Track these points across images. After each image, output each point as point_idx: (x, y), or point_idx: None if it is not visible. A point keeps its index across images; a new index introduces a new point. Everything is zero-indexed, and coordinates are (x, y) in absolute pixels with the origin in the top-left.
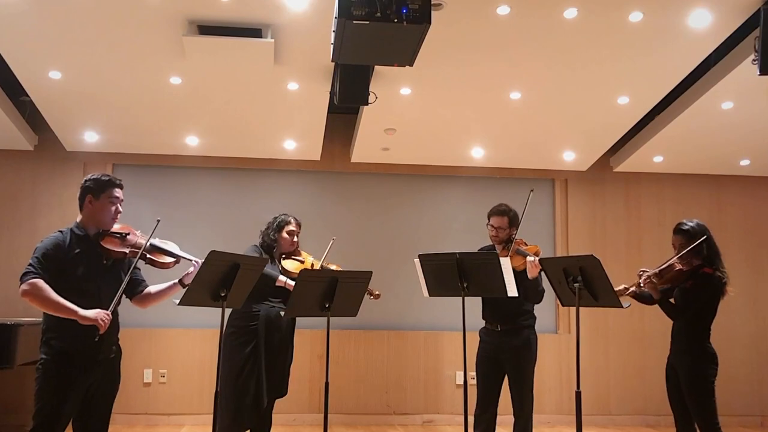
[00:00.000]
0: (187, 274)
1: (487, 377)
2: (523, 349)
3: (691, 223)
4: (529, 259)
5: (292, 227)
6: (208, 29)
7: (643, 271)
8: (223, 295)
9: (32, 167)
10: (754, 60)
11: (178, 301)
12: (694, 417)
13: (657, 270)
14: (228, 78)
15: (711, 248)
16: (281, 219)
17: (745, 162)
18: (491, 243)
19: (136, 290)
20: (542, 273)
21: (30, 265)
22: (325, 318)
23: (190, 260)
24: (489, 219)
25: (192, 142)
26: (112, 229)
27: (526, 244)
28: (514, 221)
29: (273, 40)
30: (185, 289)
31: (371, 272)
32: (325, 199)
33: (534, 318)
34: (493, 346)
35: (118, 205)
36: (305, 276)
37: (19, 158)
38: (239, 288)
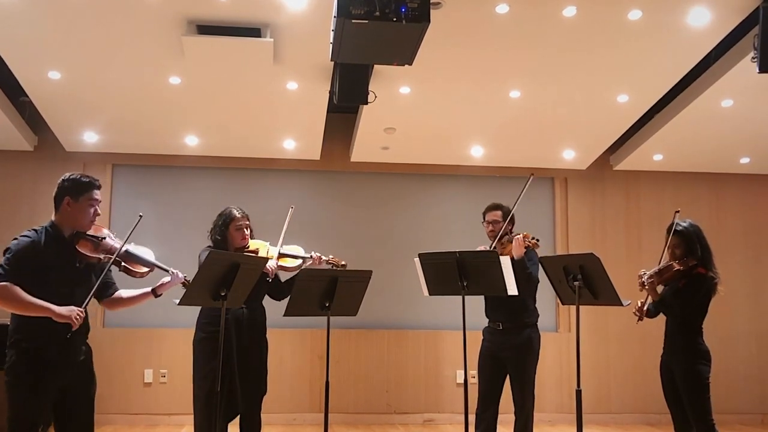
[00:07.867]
0: (162, 284)
1: (489, 376)
2: (524, 347)
3: (684, 224)
4: (517, 237)
5: (239, 222)
6: (207, 29)
7: (643, 272)
8: (223, 294)
9: (32, 168)
10: (753, 58)
11: (178, 301)
12: (690, 414)
13: (657, 270)
14: (227, 78)
15: (704, 249)
16: (226, 214)
17: (744, 160)
18: (488, 245)
19: (106, 293)
20: (528, 257)
21: (0, 266)
22: (325, 317)
23: (167, 270)
24: (484, 217)
25: (191, 142)
26: (88, 232)
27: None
28: (507, 215)
29: (272, 40)
30: (185, 290)
31: (371, 272)
32: (324, 199)
33: (537, 316)
34: (494, 345)
35: (97, 207)
36: (305, 275)
37: (19, 159)
38: (239, 287)
